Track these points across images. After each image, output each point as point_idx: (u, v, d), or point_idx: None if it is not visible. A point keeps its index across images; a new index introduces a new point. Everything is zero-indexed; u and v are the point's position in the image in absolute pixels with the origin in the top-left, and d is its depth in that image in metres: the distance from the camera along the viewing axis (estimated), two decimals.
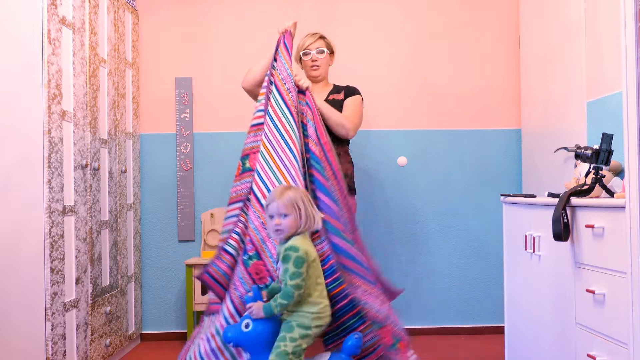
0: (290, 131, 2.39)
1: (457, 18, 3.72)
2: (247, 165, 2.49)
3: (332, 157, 2.49)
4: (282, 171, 2.35)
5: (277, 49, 2.57)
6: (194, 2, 3.69)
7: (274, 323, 2.07)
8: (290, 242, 2.05)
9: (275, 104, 2.43)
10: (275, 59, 2.55)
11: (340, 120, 2.80)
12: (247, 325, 2.06)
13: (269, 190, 2.33)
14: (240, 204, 2.47)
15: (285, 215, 2.06)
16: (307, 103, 2.50)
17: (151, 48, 3.67)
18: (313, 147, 2.41)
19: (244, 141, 2.55)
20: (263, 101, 2.51)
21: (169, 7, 3.69)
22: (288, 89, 2.45)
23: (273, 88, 2.46)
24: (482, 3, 3.73)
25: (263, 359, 2.04)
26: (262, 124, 2.48)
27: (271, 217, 2.09)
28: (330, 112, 2.77)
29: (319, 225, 2.15)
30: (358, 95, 2.98)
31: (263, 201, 2.32)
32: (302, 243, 2.05)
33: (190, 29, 3.68)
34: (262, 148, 2.40)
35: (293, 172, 2.34)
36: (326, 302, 2.09)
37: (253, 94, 2.78)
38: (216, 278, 2.39)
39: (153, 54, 3.67)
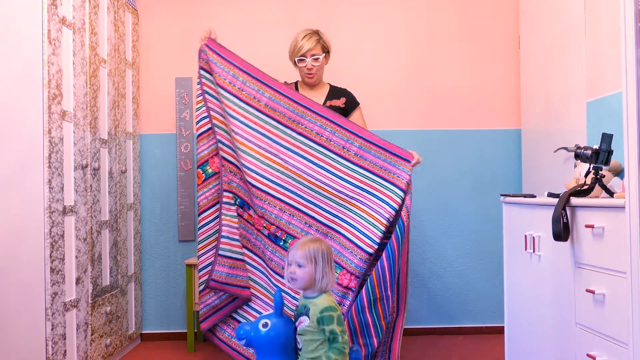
0: (258, 120, 2.63)
1: (457, 18, 3.72)
2: (210, 170, 2.77)
3: (406, 237, 2.59)
4: (267, 156, 2.60)
5: (205, 60, 2.72)
6: (194, 2, 3.69)
7: (290, 330, 2.08)
8: (323, 302, 2.03)
9: (233, 105, 2.65)
10: (209, 72, 2.73)
11: None
12: (265, 325, 2.05)
13: (265, 177, 2.58)
14: (213, 209, 2.74)
15: (300, 266, 2.05)
16: (408, 184, 2.60)
17: (151, 48, 3.67)
18: (404, 217, 2.53)
19: (197, 150, 2.78)
20: (204, 108, 2.75)
21: (169, 7, 3.69)
22: (240, 88, 2.66)
23: (224, 92, 2.67)
24: (482, 3, 3.73)
25: None
26: (211, 129, 2.74)
27: (289, 264, 2.09)
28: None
29: (332, 286, 2.14)
30: (359, 107, 3.06)
31: (270, 191, 2.58)
32: (333, 301, 2.06)
33: (190, 29, 3.67)
34: (239, 145, 2.62)
35: (278, 152, 2.60)
36: None
37: None
38: (223, 281, 2.71)
39: (153, 54, 3.67)
